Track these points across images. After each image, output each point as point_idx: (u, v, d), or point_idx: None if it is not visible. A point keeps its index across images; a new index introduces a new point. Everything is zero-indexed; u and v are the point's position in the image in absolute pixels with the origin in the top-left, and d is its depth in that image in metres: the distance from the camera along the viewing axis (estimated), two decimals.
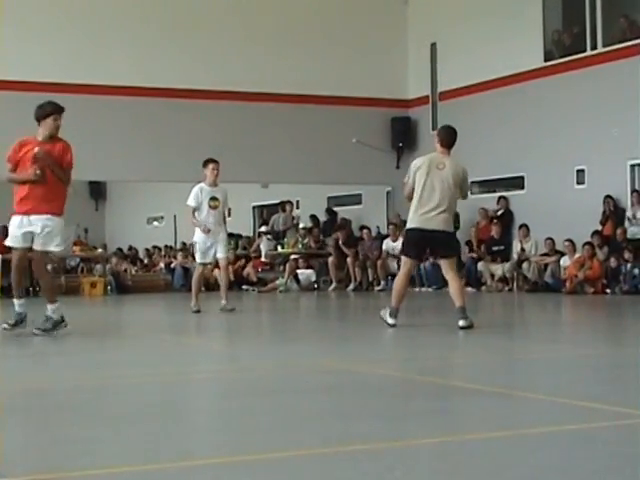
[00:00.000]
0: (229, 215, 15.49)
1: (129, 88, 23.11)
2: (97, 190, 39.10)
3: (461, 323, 10.85)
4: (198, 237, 14.88)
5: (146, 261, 29.14)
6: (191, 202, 14.89)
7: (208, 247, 14.75)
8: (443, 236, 11.16)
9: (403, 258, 11.64)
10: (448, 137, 11.61)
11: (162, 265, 26.20)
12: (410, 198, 11.28)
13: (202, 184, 14.98)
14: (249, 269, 24.45)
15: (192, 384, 7.07)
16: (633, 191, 19.96)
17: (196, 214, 14.90)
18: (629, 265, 18.92)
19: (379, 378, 7.17)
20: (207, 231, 14.67)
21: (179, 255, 25.42)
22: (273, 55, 24.45)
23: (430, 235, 11.11)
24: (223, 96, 23.92)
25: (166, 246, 30.88)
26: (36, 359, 9.09)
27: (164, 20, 23.72)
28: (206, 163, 15.09)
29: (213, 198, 14.74)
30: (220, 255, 14.79)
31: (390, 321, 11.24)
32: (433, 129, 25.33)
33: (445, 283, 22.01)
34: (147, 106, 23.29)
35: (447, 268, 11.40)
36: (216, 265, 15.87)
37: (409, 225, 11.33)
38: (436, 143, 11.66)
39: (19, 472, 4.27)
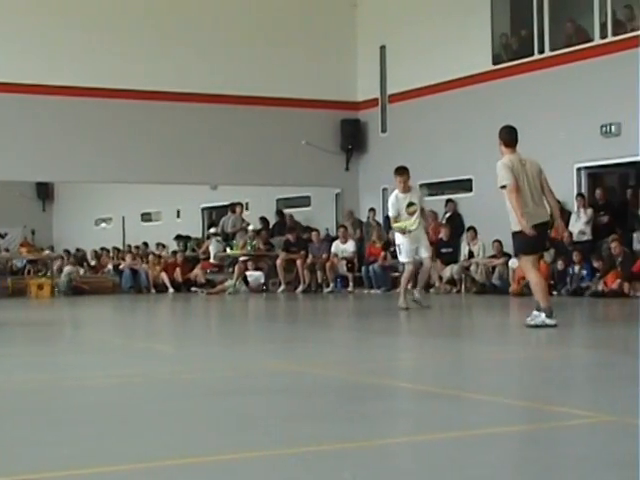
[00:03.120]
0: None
1: (76, 89, 22.95)
2: (44, 191, 38.78)
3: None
4: (401, 239, 15.16)
5: (94, 263, 28.96)
6: (391, 213, 15.21)
7: (412, 249, 15.03)
8: (544, 227, 11.54)
9: (526, 257, 11.50)
10: (512, 136, 11.88)
11: (110, 267, 26.07)
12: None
13: (396, 191, 15.27)
14: (198, 271, 24.40)
15: (143, 386, 7.07)
16: (578, 195, 20.18)
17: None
18: (576, 267, 19.13)
19: (329, 380, 7.20)
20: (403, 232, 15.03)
21: (127, 257, 25.31)
22: (222, 57, 24.42)
23: (538, 228, 11.31)
24: (172, 97, 23.83)
25: (114, 248, 30.71)
26: None
27: (112, 20, 23.59)
28: (395, 172, 15.45)
29: (410, 204, 14.99)
30: (424, 255, 15.15)
31: (553, 322, 11.05)
32: (382, 131, 25.46)
33: (394, 286, 22.26)
34: (95, 107, 23.15)
35: (536, 264, 11.70)
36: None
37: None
38: (501, 145, 11.87)
39: None
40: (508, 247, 20.37)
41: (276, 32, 24.99)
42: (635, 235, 19.37)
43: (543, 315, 11.11)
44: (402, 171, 15.36)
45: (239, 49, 24.60)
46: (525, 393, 6.45)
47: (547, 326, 10.94)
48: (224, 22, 24.65)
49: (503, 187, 11.45)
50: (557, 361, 8.47)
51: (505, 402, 6.02)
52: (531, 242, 11.31)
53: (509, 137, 11.87)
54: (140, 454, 4.63)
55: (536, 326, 11.03)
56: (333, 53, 25.70)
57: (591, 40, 20.25)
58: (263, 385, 6.94)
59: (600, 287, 18.47)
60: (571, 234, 19.95)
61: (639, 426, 4.71)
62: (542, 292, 11.26)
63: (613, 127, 19.54)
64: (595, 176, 20.89)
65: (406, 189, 15.22)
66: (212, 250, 25.50)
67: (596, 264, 18.86)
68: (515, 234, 11.44)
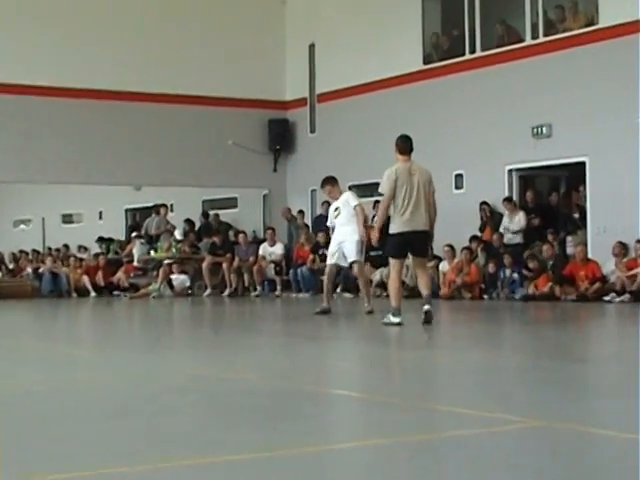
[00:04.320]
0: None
1: None
2: None
3: (425, 307, 12.26)
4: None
5: (12, 266, 28.58)
6: (330, 224, 15.88)
7: (335, 250, 15.41)
8: (423, 235, 12.50)
9: (392, 260, 12.61)
10: (406, 145, 12.68)
11: (29, 270, 25.74)
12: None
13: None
14: (121, 274, 24.21)
15: (61, 394, 6.98)
16: (505, 199, 20.24)
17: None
18: (507, 270, 19.30)
19: (253, 386, 7.19)
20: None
21: (48, 260, 25.02)
22: (148, 54, 24.24)
23: (413, 236, 12.34)
24: (94, 95, 23.62)
25: (34, 250, 30.34)
26: None
27: (20, 16, 23.24)
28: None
29: (335, 209, 15.59)
30: (350, 259, 15.34)
31: (397, 320, 12.23)
32: (311, 132, 25.49)
33: (322, 289, 22.24)
34: (11, 105, 22.82)
35: (421, 264, 12.79)
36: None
37: (396, 230, 12.35)
38: (396, 153, 12.68)
39: None
40: (438, 250, 20.52)
41: (203, 29, 24.89)
42: (569, 238, 19.56)
43: (390, 314, 12.31)
44: (323, 184, 16.05)
45: (165, 45, 24.44)
46: (453, 398, 6.49)
47: (392, 324, 12.17)
48: (150, 18, 24.48)
49: (381, 194, 12.62)
50: (485, 365, 8.53)
51: (433, 408, 6.05)
52: (396, 247, 12.45)
53: (403, 145, 12.72)
54: (56, 466, 4.57)
55: (386, 324, 12.26)
56: (261, 51, 25.66)
57: (522, 40, 20.48)
58: (186, 392, 6.90)
59: (531, 290, 18.68)
60: (502, 236, 20.13)
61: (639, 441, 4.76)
62: (395, 293, 12.39)
63: (544, 128, 19.76)
64: (526, 178, 21.11)
65: (335, 198, 15.73)
66: (136, 253, 25.31)
67: (531, 264, 18.96)
68: (389, 237, 12.55)
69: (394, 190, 12.27)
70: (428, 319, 12.20)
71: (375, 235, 12.78)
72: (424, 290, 12.53)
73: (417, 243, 12.49)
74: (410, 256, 12.74)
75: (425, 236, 12.58)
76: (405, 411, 6.01)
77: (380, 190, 12.59)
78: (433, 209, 12.57)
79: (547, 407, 5.99)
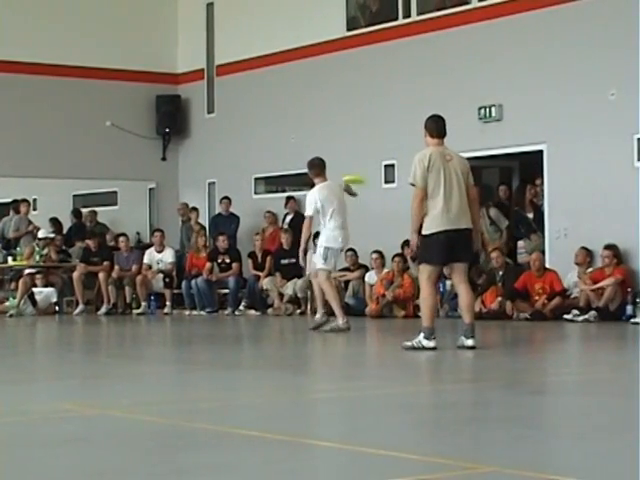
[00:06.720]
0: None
1: None
2: None
3: (469, 342, 12.24)
4: None
5: None
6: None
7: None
8: (467, 234, 12.33)
9: (427, 268, 12.34)
10: (439, 126, 12.65)
11: None
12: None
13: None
14: None
15: None
16: None
17: None
18: (448, 282, 19.38)
19: (140, 425, 7.17)
20: None
21: None
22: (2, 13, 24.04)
23: (456, 235, 12.17)
24: None
25: None
26: None
27: None
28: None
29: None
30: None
31: (431, 344, 12.08)
32: (209, 112, 25.46)
33: (222, 306, 22.24)
34: None
35: (462, 275, 12.48)
36: None
37: (434, 229, 12.13)
38: (426, 137, 12.68)
39: None
40: (364, 258, 20.63)
41: None
42: (521, 244, 19.69)
43: (421, 335, 12.14)
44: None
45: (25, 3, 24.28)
46: (387, 439, 6.53)
47: (424, 348, 12.03)
48: None
49: (413, 184, 12.39)
50: (425, 399, 8.61)
51: (362, 451, 6.08)
52: (436, 251, 12.24)
53: (435, 127, 12.71)
54: None
55: (413, 348, 12.11)
56: (147, 11, 25.57)
57: (467, 2, 20.62)
58: (54, 433, 6.87)
59: (477, 307, 18.80)
60: None
61: None
62: (427, 309, 12.27)
63: (493, 110, 19.91)
64: (472, 170, 21.24)
65: None
66: None
67: (478, 280, 19.09)
68: (422, 238, 12.32)
69: (427, 179, 12.21)
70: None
71: (414, 240, 12.36)
72: (466, 315, 12.39)
73: (461, 245, 12.30)
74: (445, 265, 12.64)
75: (470, 236, 12.45)
76: (324, 455, 6.05)
77: (410, 180, 12.40)
78: (475, 205, 12.70)
79: (497, 449, 6.05)
